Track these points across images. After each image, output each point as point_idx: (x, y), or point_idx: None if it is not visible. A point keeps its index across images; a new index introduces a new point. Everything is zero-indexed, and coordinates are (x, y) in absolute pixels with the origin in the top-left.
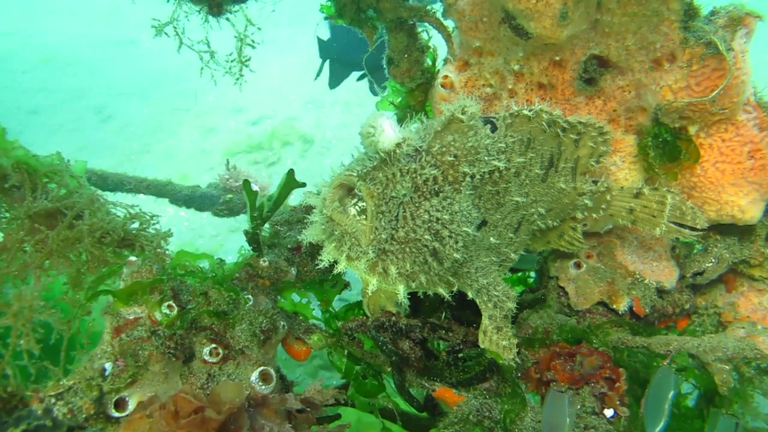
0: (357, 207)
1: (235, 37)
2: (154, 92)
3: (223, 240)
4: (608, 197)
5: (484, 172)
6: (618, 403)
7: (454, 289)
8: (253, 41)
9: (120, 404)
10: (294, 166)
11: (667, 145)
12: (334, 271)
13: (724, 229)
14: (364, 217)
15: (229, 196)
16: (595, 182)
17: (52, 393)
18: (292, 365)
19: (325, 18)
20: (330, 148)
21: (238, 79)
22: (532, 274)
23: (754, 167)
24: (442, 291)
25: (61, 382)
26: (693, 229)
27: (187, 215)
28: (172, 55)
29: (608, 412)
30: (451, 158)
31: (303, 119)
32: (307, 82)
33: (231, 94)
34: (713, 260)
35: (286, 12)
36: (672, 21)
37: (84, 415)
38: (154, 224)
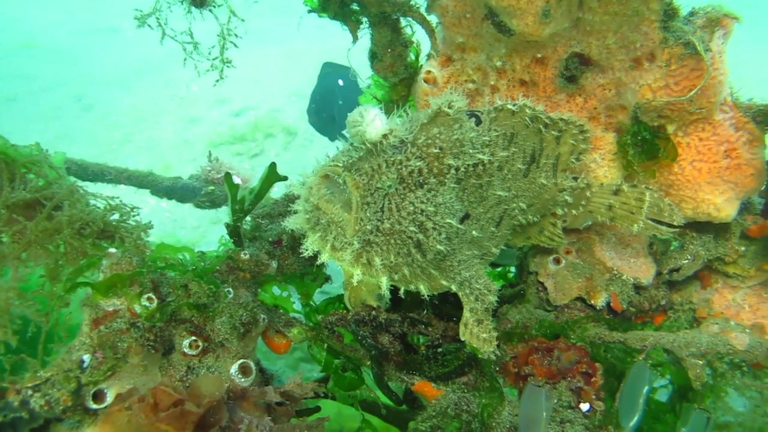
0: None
1: (218, 35)
2: (136, 81)
3: (204, 231)
4: (588, 194)
5: (468, 165)
6: (594, 397)
7: (435, 290)
8: (236, 35)
9: (98, 396)
10: (277, 158)
11: (646, 143)
12: (317, 262)
13: (701, 226)
14: (349, 208)
15: (211, 187)
16: (575, 179)
17: (29, 385)
18: (274, 357)
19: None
20: (313, 141)
21: (218, 80)
22: (512, 269)
23: (730, 166)
24: (423, 288)
25: (39, 374)
26: (670, 226)
27: (169, 206)
28: (155, 44)
29: (584, 406)
30: (437, 150)
31: (286, 111)
32: (291, 73)
33: (214, 81)
34: (689, 257)
35: (271, 1)
36: (652, 21)
37: (61, 407)
38: (134, 216)
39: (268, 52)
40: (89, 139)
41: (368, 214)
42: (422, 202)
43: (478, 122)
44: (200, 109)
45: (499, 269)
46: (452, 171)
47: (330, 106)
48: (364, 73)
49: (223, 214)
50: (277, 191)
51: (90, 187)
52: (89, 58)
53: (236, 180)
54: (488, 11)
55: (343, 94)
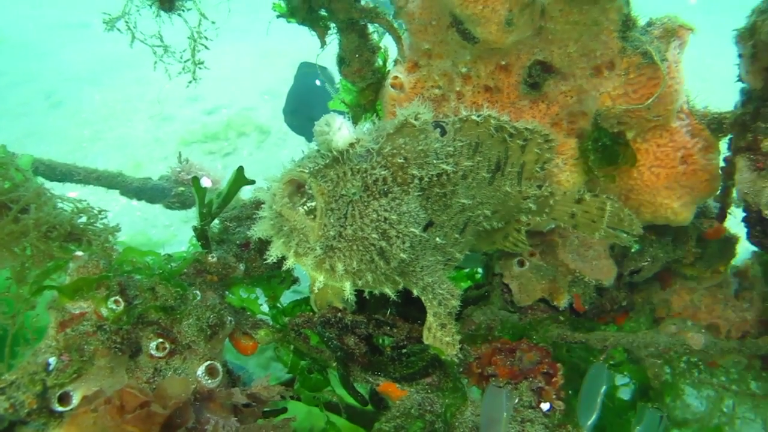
0: (307, 205)
1: (189, 38)
2: (106, 78)
3: (176, 230)
4: (551, 202)
5: (432, 175)
6: (554, 396)
7: (400, 287)
8: (206, 38)
9: (64, 399)
10: (250, 157)
11: (606, 149)
12: (284, 267)
13: (660, 230)
14: (313, 214)
15: (181, 188)
16: (539, 187)
17: None
18: (245, 357)
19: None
20: (286, 140)
21: (191, 82)
22: (480, 269)
23: (686, 172)
24: (388, 291)
25: (4, 377)
26: (629, 234)
27: (140, 205)
28: (126, 40)
29: (545, 406)
30: (401, 160)
31: (259, 109)
32: (264, 72)
33: (186, 83)
34: (649, 259)
35: None
36: (611, 30)
37: (26, 410)
38: (102, 219)
39: (241, 50)
40: (58, 137)
41: (332, 221)
42: (386, 210)
43: (443, 132)
44: (172, 107)
45: (467, 270)
46: (416, 181)
47: (307, 106)
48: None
49: (195, 213)
50: (247, 191)
51: (58, 187)
52: (58, 53)
53: (206, 182)
54: (453, 19)
55: (320, 95)
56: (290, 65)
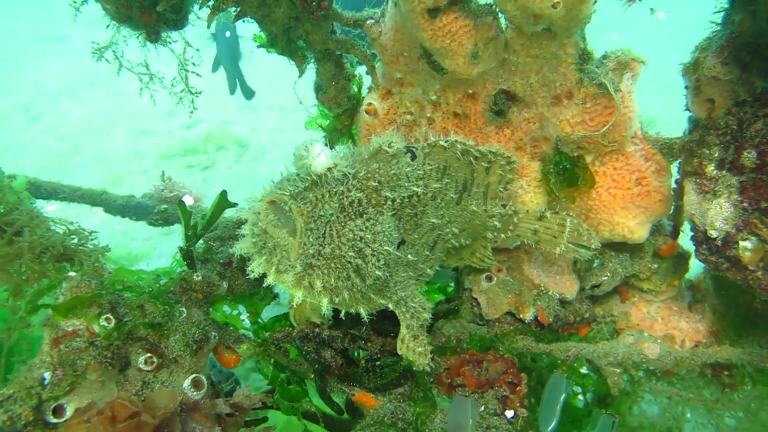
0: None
1: (180, 68)
2: (85, 91)
3: (155, 243)
4: (515, 219)
5: (403, 197)
6: (518, 404)
7: (374, 310)
8: (194, 64)
9: (58, 411)
10: (229, 171)
11: (567, 172)
12: (264, 284)
13: (618, 246)
14: (293, 234)
15: (164, 206)
16: (503, 206)
17: None
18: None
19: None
20: (265, 153)
21: (192, 112)
22: (453, 283)
23: (641, 193)
24: (362, 311)
25: (1, 392)
26: (588, 248)
27: (119, 218)
28: (106, 53)
29: (509, 414)
30: (375, 183)
31: (238, 123)
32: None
33: (165, 96)
34: (608, 274)
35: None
36: (569, 63)
37: (23, 422)
38: (92, 240)
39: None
40: (37, 151)
41: (311, 240)
42: (361, 230)
43: (413, 157)
44: (151, 121)
45: (439, 284)
46: (389, 202)
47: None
48: (310, 101)
49: (175, 226)
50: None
51: (43, 203)
52: (37, 66)
53: (189, 200)
54: (423, 51)
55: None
56: (269, 80)
